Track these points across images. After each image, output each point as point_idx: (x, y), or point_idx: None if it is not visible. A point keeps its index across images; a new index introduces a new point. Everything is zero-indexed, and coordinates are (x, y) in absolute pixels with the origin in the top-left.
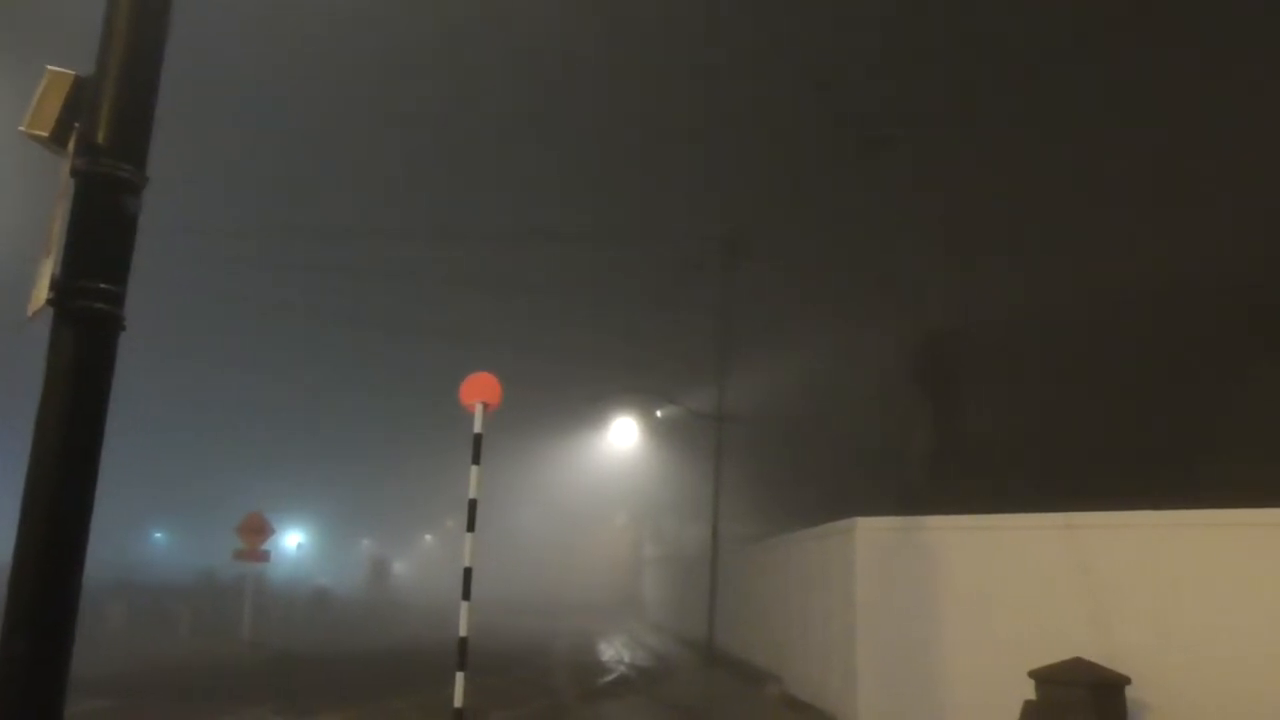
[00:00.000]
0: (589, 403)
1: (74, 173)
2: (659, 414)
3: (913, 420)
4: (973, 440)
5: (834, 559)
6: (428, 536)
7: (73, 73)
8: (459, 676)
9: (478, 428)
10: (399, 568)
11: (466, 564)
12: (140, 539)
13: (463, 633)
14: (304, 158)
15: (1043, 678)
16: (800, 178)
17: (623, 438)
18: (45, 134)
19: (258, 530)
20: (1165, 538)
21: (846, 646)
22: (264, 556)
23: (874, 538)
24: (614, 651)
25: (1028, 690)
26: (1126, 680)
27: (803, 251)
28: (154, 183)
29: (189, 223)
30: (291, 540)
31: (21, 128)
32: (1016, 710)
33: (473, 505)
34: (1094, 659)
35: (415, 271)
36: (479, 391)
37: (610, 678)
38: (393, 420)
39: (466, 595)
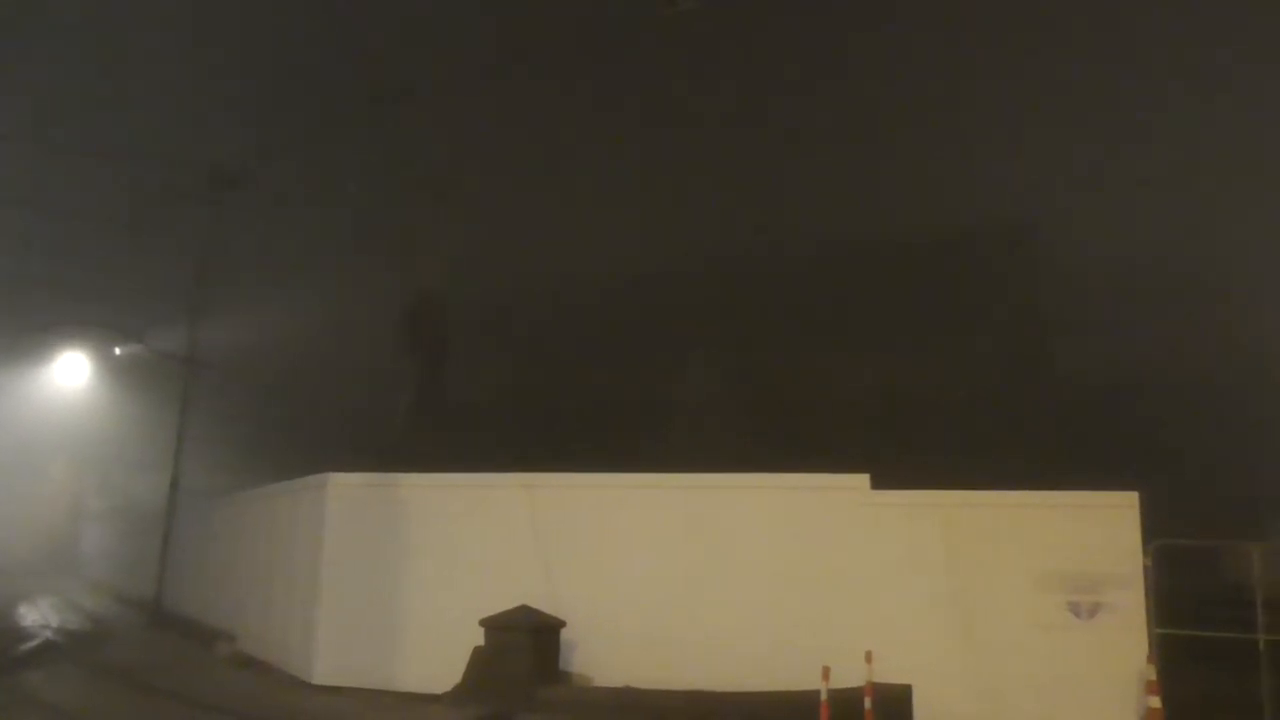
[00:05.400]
0: (32, 333)
1: None
2: (119, 352)
3: (397, 378)
4: (454, 401)
5: (304, 514)
6: None
7: None
8: None
9: None
10: None
11: None
12: None
13: None
14: None
15: (490, 624)
16: (308, 124)
17: (70, 376)
18: None
19: None
20: (603, 497)
21: (309, 601)
22: None
23: (346, 493)
24: (39, 615)
25: (481, 637)
26: (562, 624)
27: (300, 200)
28: None
29: None
30: None
31: None
32: (468, 656)
33: None
34: (541, 606)
35: None
36: None
37: (32, 644)
38: None
39: None
